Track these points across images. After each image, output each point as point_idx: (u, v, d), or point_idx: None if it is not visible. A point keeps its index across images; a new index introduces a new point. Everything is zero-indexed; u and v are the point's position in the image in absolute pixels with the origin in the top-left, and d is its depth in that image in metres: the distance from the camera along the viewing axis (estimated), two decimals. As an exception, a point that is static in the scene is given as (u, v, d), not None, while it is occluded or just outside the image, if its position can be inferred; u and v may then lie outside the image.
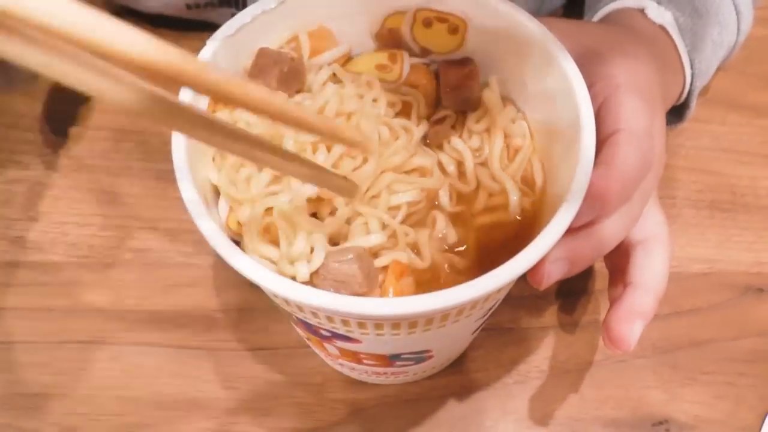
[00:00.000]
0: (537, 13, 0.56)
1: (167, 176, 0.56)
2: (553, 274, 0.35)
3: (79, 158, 0.58)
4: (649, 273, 0.41)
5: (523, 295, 0.51)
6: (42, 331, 0.50)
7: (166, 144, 0.58)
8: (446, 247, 0.36)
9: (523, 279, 0.51)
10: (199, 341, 0.50)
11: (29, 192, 0.56)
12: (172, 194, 0.55)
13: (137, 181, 0.57)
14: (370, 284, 0.31)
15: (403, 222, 0.35)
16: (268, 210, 0.33)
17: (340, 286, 0.31)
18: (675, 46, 0.49)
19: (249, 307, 0.51)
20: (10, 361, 0.49)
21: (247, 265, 0.29)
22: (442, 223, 0.35)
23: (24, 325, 0.51)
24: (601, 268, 0.53)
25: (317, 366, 0.49)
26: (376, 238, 0.33)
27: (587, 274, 0.53)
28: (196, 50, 0.62)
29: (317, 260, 0.32)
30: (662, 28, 0.49)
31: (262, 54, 0.38)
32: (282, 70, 0.37)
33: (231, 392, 0.48)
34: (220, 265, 0.52)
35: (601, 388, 0.48)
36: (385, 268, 0.33)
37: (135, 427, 0.47)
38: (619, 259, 0.43)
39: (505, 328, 0.50)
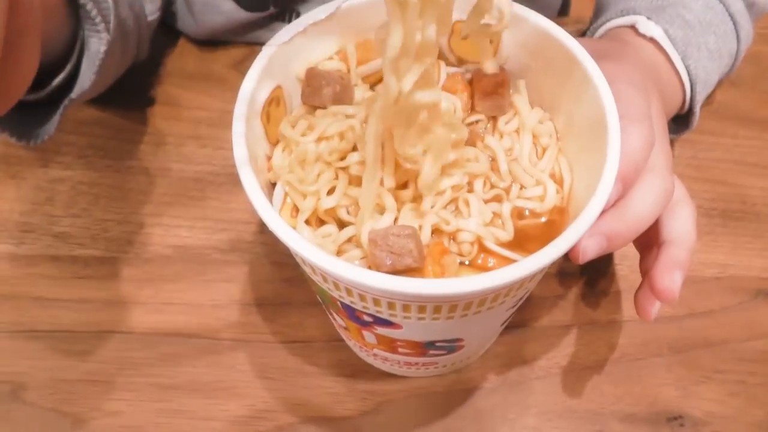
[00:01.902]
0: None
1: (205, 178, 0.60)
2: (589, 249, 0.38)
3: (119, 160, 0.61)
4: (678, 229, 0.44)
5: (544, 295, 0.54)
6: (84, 321, 0.53)
7: (203, 147, 0.62)
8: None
9: (546, 280, 0.54)
10: (235, 333, 0.52)
11: (72, 191, 0.59)
12: (210, 195, 0.59)
13: (175, 182, 0.60)
14: (422, 262, 0.34)
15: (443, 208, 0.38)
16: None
17: (396, 258, 0.33)
18: (667, 55, 0.52)
19: (283, 302, 0.53)
20: (54, 350, 0.52)
21: (307, 247, 0.32)
22: (475, 204, 0.38)
23: (67, 315, 0.53)
24: (619, 271, 0.55)
25: (348, 358, 0.51)
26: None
27: (606, 275, 0.55)
28: (238, 59, 0.66)
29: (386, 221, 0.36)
30: (653, 40, 0.52)
31: (313, 75, 0.41)
32: (335, 90, 0.40)
33: (266, 382, 0.50)
34: (256, 262, 0.55)
35: (618, 384, 0.51)
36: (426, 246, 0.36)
37: (174, 413, 0.49)
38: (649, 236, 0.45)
39: (527, 326, 0.53)
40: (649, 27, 0.52)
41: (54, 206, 0.58)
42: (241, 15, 0.65)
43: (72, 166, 0.60)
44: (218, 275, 0.55)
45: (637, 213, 0.40)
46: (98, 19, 0.48)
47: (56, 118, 0.49)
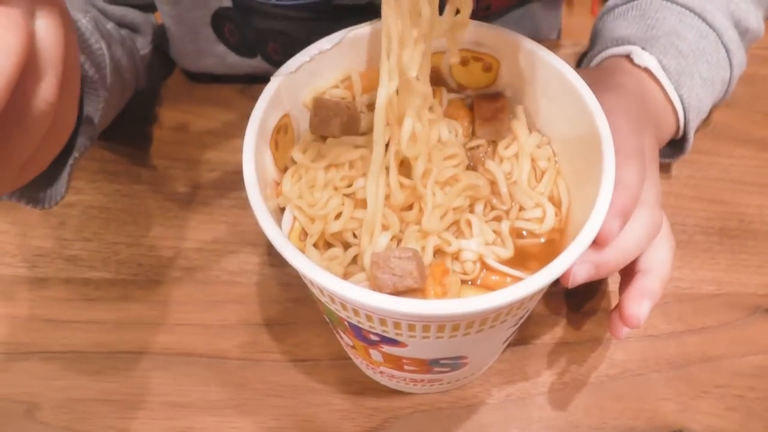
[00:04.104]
0: None
1: (213, 201, 0.61)
2: (579, 275, 0.39)
3: (129, 184, 0.63)
4: (654, 260, 0.45)
5: (546, 313, 0.55)
6: (96, 342, 0.54)
7: (211, 171, 0.64)
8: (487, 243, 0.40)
9: (547, 299, 0.55)
10: (244, 353, 0.54)
11: (82, 215, 0.61)
12: (219, 218, 0.60)
13: (184, 206, 0.61)
14: (423, 282, 0.36)
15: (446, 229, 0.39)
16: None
17: (398, 280, 0.35)
18: (662, 85, 0.54)
19: (291, 322, 0.55)
20: (67, 370, 0.53)
21: (316, 271, 0.33)
22: (477, 224, 0.39)
23: (79, 336, 0.55)
24: (618, 290, 0.56)
25: (356, 376, 0.52)
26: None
27: (607, 294, 0.56)
28: (244, 84, 0.68)
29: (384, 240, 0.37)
30: (647, 70, 0.54)
31: (320, 106, 0.42)
32: (342, 120, 0.41)
33: (275, 399, 0.52)
34: (264, 283, 0.56)
35: (619, 399, 0.52)
36: (428, 266, 0.38)
37: (185, 430, 0.51)
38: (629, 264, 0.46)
39: (529, 343, 0.54)
40: (643, 57, 0.53)
41: (65, 230, 0.60)
42: (233, 58, 0.67)
43: (83, 191, 0.62)
44: (227, 296, 0.56)
45: (627, 244, 0.41)
46: (96, 78, 0.48)
47: (65, 178, 0.49)
